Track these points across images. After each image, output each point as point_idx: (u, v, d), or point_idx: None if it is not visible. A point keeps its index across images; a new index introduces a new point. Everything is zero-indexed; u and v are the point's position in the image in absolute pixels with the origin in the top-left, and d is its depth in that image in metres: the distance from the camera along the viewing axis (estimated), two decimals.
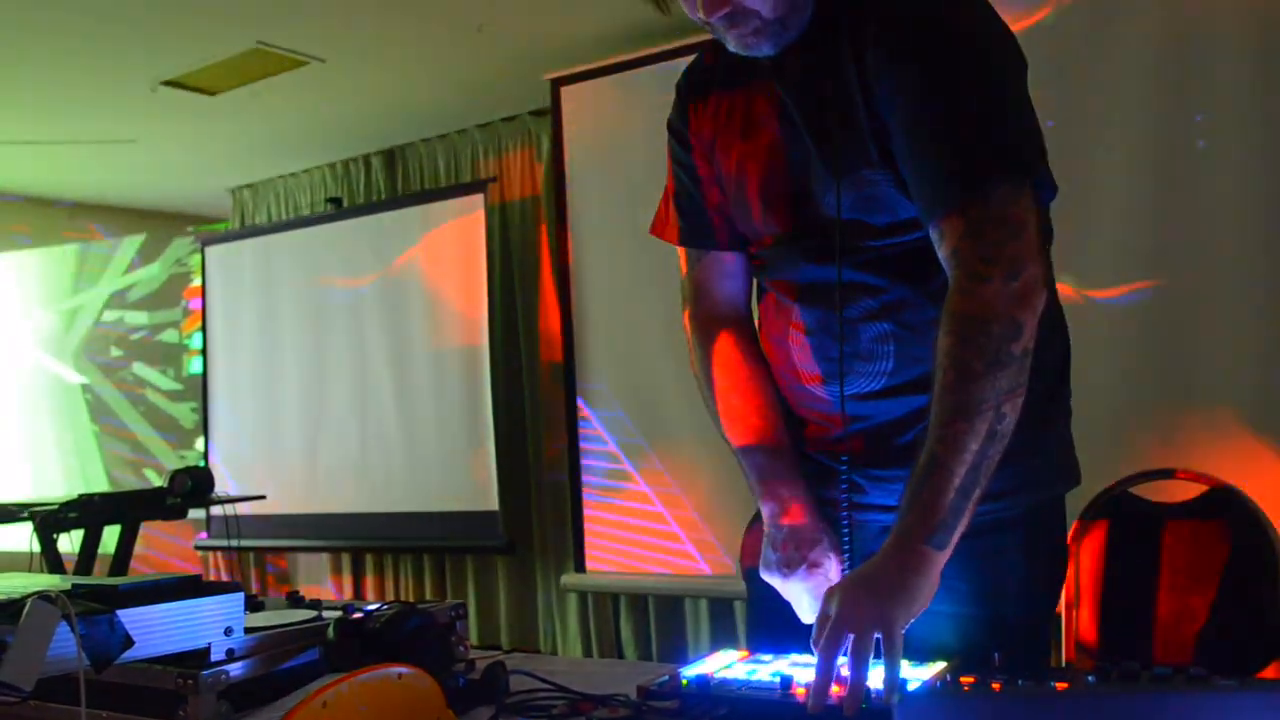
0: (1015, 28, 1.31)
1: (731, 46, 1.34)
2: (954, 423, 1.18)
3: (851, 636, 1.11)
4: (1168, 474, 2.18)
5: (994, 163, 1.22)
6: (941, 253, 1.25)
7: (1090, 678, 1.02)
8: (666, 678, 1.21)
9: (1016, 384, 1.20)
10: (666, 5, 1.33)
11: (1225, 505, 2.01)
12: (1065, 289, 3.23)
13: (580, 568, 4.52)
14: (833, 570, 1.38)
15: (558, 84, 4.53)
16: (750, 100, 1.41)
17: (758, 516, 1.52)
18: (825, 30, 1.32)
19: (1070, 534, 2.13)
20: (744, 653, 1.31)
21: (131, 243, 6.69)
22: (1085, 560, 2.09)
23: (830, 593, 1.18)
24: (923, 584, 1.17)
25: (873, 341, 1.35)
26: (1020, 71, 1.30)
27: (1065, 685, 1.01)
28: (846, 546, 1.39)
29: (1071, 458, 1.44)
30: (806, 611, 1.37)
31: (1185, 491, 2.10)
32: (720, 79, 1.46)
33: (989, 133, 1.24)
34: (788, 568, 1.37)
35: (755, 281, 1.53)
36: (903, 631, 1.14)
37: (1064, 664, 2.17)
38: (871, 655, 1.11)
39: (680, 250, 1.55)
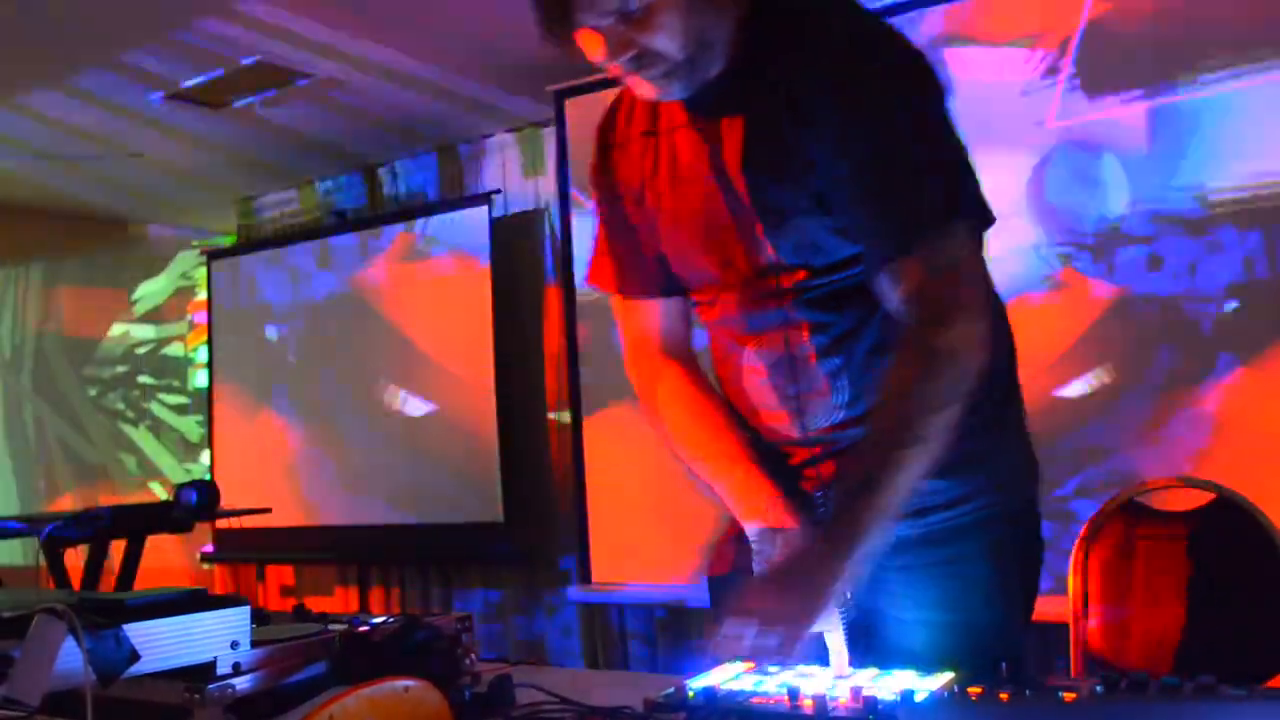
0: None
1: (643, 93, 1.30)
2: (902, 448, 1.19)
3: (753, 632, 1.15)
4: (1176, 483, 2.17)
5: (943, 208, 1.23)
6: (898, 294, 1.24)
7: (1098, 688, 1.02)
8: (673, 689, 1.21)
9: (953, 424, 1.21)
10: (571, 46, 1.27)
11: (1234, 514, 2.01)
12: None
13: (587, 579, 4.52)
14: None
15: (561, 96, 4.53)
16: (674, 145, 1.38)
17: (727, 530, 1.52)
18: (745, 71, 1.29)
19: (1079, 541, 2.12)
20: (751, 664, 1.31)
21: (137, 256, 6.71)
22: (1093, 569, 2.08)
23: (746, 595, 1.21)
24: (832, 594, 1.20)
25: (829, 376, 1.35)
26: (945, 103, 1.29)
27: (1073, 696, 1.01)
28: None
29: (1030, 455, 1.45)
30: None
31: (1194, 500, 2.10)
32: (641, 124, 1.42)
33: (936, 179, 1.24)
34: None
35: (699, 322, 1.52)
36: (805, 638, 1.18)
37: (1071, 674, 2.16)
38: (782, 652, 1.16)
39: (617, 297, 1.53)
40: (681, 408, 1.48)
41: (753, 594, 1.21)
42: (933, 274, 1.22)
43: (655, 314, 1.51)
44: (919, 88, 1.27)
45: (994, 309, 1.43)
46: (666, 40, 1.22)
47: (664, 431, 1.51)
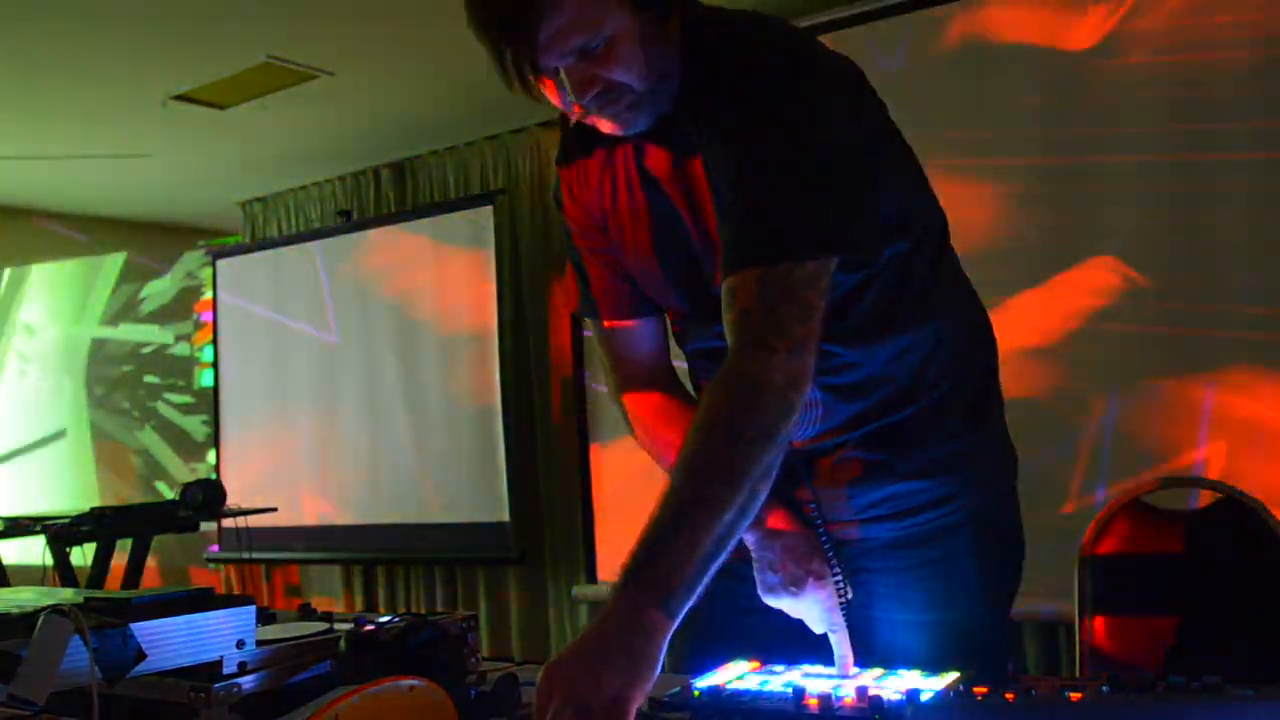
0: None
1: (607, 129, 1.30)
2: (714, 485, 1.12)
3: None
4: (1183, 482, 2.17)
5: (797, 240, 1.19)
6: (730, 311, 1.21)
7: (1105, 688, 1.01)
8: (678, 689, 1.21)
9: (772, 468, 1.15)
10: (540, 93, 1.26)
11: (1239, 513, 2.00)
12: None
13: (592, 578, 4.52)
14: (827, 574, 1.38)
15: None
16: (629, 173, 1.38)
17: None
18: (687, 105, 1.29)
19: (1084, 542, 2.12)
20: (756, 664, 1.31)
21: (143, 256, 6.72)
22: (1099, 568, 2.08)
23: (550, 668, 1.06)
24: (656, 654, 1.08)
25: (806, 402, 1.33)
26: (858, 145, 1.25)
27: (1079, 696, 1.00)
28: (828, 548, 1.39)
29: (1009, 447, 1.46)
30: (818, 623, 1.37)
31: (1200, 499, 2.09)
32: (598, 153, 1.42)
33: (800, 207, 1.20)
34: (796, 586, 1.36)
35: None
36: (636, 708, 1.04)
37: (1076, 674, 2.16)
38: None
39: (595, 322, 1.52)
40: (671, 431, 1.46)
41: (562, 669, 1.04)
42: (765, 300, 1.18)
43: (629, 335, 1.49)
44: (822, 121, 1.23)
45: (976, 308, 1.46)
46: (627, 72, 1.22)
47: (657, 454, 1.49)
